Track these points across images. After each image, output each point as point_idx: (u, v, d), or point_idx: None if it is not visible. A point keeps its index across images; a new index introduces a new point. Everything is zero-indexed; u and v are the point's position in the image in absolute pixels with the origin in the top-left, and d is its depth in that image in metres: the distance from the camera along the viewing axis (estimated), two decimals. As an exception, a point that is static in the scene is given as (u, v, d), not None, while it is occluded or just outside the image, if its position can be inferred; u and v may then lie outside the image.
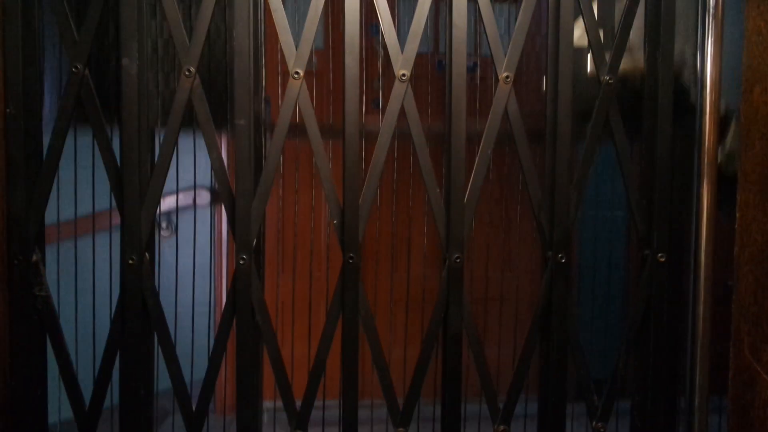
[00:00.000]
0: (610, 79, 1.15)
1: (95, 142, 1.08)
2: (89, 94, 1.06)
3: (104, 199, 1.12)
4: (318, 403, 1.14)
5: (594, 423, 1.20)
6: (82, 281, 1.19)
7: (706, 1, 1.21)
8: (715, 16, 1.21)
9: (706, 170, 1.23)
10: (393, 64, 1.11)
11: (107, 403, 1.12)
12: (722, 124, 1.22)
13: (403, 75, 1.10)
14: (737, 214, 1.11)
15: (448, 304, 1.13)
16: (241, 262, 1.09)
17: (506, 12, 1.25)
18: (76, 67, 1.04)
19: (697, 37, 1.23)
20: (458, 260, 1.12)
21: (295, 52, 1.08)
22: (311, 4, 1.08)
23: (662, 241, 1.18)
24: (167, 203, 1.49)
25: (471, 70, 1.20)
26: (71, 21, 1.05)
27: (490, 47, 1.12)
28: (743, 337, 1.09)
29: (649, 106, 1.19)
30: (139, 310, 1.09)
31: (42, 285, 1.09)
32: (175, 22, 1.06)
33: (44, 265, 1.10)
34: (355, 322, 1.11)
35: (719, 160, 1.21)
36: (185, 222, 1.39)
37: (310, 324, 1.19)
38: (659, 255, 1.17)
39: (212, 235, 1.47)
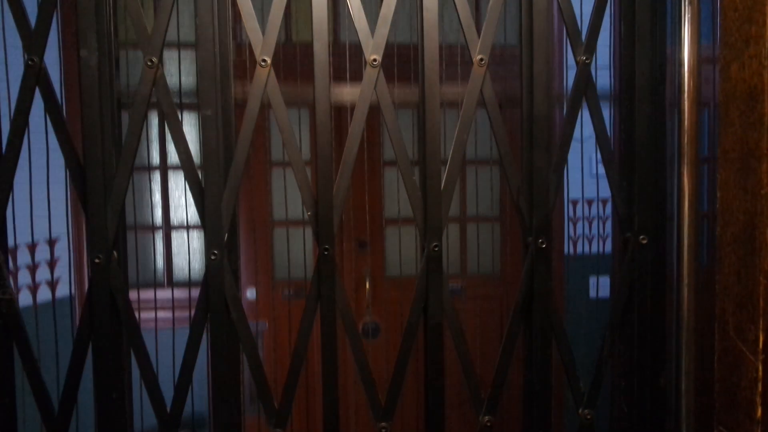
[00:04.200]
0: (586, 59, 1.13)
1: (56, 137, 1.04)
2: (47, 87, 1.02)
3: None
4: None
5: (581, 410, 1.18)
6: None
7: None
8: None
9: (686, 150, 1.21)
10: (363, 49, 1.07)
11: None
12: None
13: (374, 60, 1.07)
14: (718, 194, 1.09)
15: (427, 293, 1.10)
16: (213, 257, 1.06)
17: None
18: (33, 60, 1.00)
19: (674, 21, 1.22)
20: (436, 248, 1.09)
21: (262, 38, 1.05)
22: (277, -12, 1.05)
23: (644, 223, 1.16)
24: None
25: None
26: (26, 12, 1.01)
27: (463, 30, 1.09)
28: (728, 318, 1.07)
29: (627, 87, 1.17)
30: (107, 310, 1.05)
31: (6, 288, 1.04)
32: (136, 12, 1.02)
33: (7, 267, 1.05)
34: (332, 314, 1.08)
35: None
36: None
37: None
38: (641, 237, 1.15)
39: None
